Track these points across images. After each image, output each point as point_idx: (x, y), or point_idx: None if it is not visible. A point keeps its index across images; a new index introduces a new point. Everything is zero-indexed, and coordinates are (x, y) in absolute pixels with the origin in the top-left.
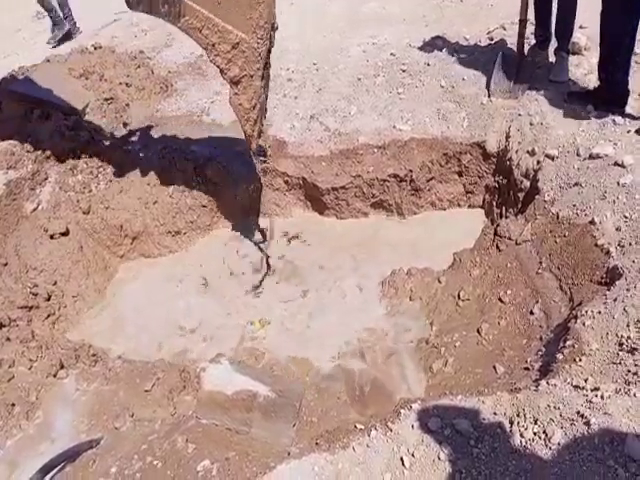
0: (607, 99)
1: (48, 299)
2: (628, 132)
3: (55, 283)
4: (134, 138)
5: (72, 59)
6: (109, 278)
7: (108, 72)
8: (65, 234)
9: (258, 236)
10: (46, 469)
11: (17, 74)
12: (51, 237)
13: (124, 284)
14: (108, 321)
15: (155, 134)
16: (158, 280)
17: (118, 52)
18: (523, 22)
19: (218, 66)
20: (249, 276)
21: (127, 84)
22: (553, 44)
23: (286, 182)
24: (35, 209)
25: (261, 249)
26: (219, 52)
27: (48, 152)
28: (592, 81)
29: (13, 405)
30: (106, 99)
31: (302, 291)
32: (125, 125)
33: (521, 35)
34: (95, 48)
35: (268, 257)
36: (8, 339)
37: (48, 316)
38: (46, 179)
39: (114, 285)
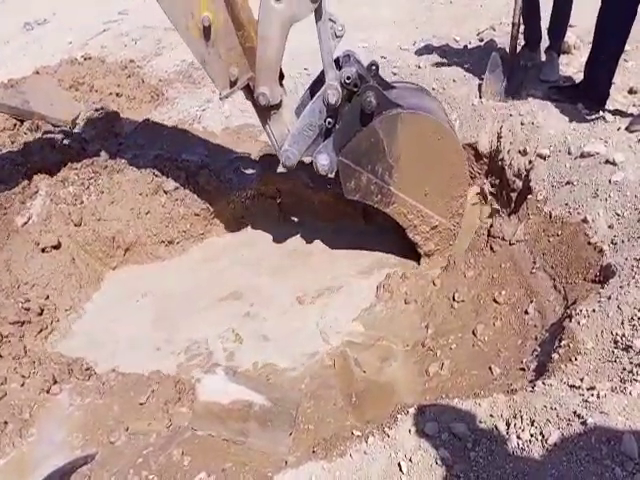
0: (586, 96)
1: (40, 313)
2: (618, 129)
3: (47, 297)
4: (125, 148)
5: (62, 70)
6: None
7: (98, 82)
8: (57, 247)
9: None
10: None
11: (6, 86)
12: (43, 250)
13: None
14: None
15: (146, 143)
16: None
17: (108, 62)
18: (516, 25)
19: (416, 242)
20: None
21: (117, 94)
22: (544, 44)
23: (279, 190)
24: (26, 223)
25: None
26: (419, 232)
27: (38, 164)
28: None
29: (6, 423)
30: (96, 109)
31: (298, 295)
32: (116, 135)
33: (513, 37)
34: (85, 59)
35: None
36: (0, 356)
37: (40, 331)
38: (37, 192)
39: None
